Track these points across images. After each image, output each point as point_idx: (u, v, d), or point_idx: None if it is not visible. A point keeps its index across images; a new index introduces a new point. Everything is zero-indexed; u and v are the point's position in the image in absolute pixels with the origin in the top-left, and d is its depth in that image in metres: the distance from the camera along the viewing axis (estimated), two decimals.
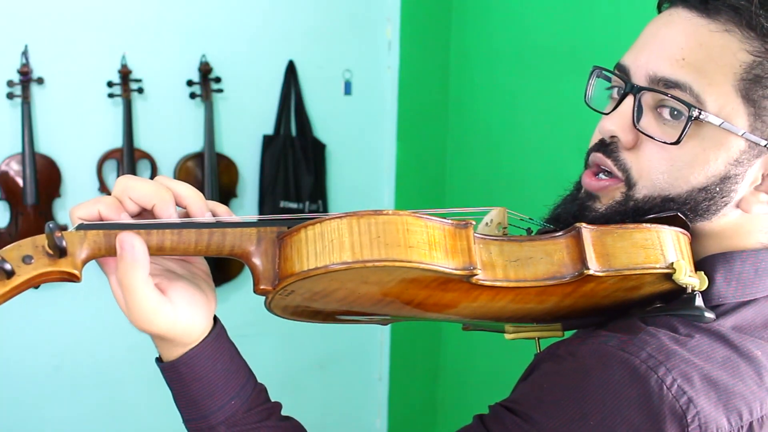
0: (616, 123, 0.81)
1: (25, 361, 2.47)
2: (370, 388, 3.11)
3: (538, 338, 0.94)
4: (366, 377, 3.10)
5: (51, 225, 0.67)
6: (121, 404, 2.64)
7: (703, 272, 0.80)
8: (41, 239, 0.69)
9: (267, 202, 2.72)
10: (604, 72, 0.87)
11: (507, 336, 0.96)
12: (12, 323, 2.42)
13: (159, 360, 0.81)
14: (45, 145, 2.39)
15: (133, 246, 0.70)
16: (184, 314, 0.75)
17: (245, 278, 2.71)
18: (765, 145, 0.78)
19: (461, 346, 2.99)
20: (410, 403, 3.13)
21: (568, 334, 0.94)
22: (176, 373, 0.79)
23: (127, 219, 0.73)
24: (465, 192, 2.90)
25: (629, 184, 0.82)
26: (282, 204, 2.73)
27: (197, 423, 0.80)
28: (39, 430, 2.52)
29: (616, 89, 0.86)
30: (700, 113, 0.76)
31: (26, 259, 0.67)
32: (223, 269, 2.63)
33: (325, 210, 2.82)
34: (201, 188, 2.25)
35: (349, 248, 0.68)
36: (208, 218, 0.75)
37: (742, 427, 0.74)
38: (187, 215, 0.76)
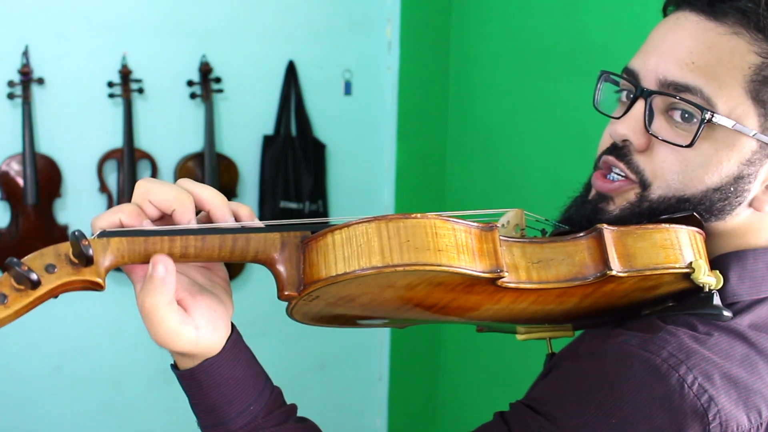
0: (628, 127, 0.82)
1: (26, 360, 2.47)
2: (370, 388, 3.11)
3: (550, 338, 0.94)
4: (366, 377, 3.10)
5: (77, 233, 0.65)
6: (122, 404, 2.63)
7: (718, 271, 0.80)
8: (64, 247, 0.66)
9: (267, 202, 2.71)
10: (612, 76, 0.87)
11: (518, 337, 0.97)
12: (13, 323, 2.41)
13: (174, 367, 0.79)
14: (45, 145, 2.38)
15: (165, 268, 0.68)
16: (206, 333, 0.74)
17: (246, 278, 2.71)
18: None
19: (461, 346, 2.99)
20: (410, 403, 3.13)
21: (577, 333, 0.94)
22: (195, 381, 0.77)
23: (149, 226, 0.71)
24: (465, 192, 2.90)
25: (644, 185, 0.83)
26: (282, 204, 2.72)
27: (215, 429, 0.79)
28: (39, 430, 2.51)
29: (625, 93, 0.86)
30: (712, 116, 0.77)
31: (49, 268, 0.65)
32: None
33: (326, 210, 2.82)
34: None
35: (378, 252, 0.68)
36: (230, 224, 0.74)
37: (761, 424, 0.75)
38: (208, 218, 0.75)
